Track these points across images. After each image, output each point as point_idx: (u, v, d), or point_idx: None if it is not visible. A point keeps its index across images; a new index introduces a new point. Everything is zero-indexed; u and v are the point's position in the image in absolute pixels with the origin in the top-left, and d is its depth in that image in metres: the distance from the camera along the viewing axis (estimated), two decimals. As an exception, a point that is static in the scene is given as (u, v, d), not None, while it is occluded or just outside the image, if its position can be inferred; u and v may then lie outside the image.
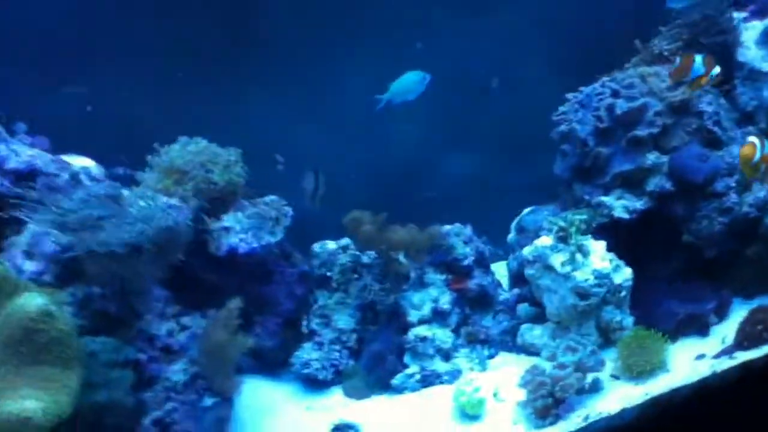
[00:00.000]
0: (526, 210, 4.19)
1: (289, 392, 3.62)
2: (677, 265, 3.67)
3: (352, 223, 3.60)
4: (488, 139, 4.64)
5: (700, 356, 3.20)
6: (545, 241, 3.56)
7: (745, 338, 3.10)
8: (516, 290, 3.90)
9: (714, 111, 3.62)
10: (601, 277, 3.37)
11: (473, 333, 3.68)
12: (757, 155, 2.98)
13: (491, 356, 3.71)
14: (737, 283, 3.58)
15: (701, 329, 3.45)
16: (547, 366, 3.23)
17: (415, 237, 3.61)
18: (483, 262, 3.89)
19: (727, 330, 3.34)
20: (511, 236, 4.10)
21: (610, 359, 3.29)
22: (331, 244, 3.83)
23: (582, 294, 3.38)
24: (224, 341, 2.89)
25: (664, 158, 3.56)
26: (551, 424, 3.01)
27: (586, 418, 2.92)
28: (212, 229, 3.36)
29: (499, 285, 3.99)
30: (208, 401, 2.98)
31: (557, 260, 3.47)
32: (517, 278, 3.92)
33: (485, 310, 3.82)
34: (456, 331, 3.71)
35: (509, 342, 3.74)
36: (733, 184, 3.48)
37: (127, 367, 2.84)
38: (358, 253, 3.78)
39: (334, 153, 4.32)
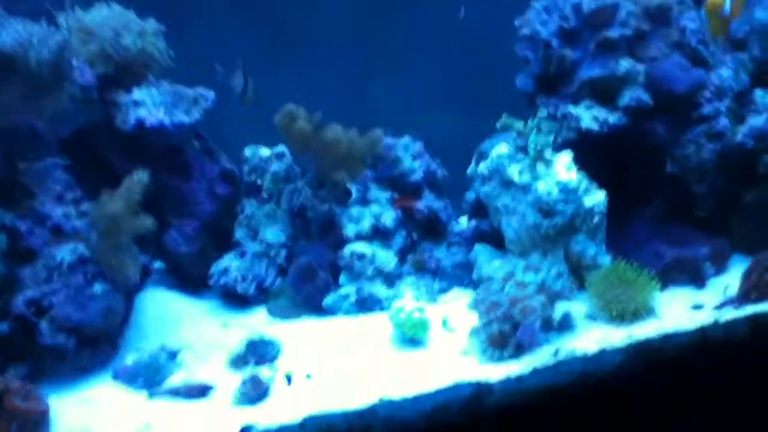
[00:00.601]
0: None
1: (206, 308, 3.15)
2: (661, 204, 3.20)
3: (285, 118, 3.09)
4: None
5: (697, 306, 2.77)
6: (502, 149, 3.06)
7: (753, 287, 2.60)
8: (474, 222, 3.40)
9: (697, 29, 3.17)
10: (567, 191, 2.87)
11: (421, 261, 3.20)
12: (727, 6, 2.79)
13: (443, 290, 3.24)
14: (737, 237, 3.12)
15: (695, 278, 2.98)
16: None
17: (353, 140, 3.13)
18: (434, 184, 3.43)
19: (728, 282, 2.88)
20: (471, 167, 3.54)
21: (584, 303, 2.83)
22: (265, 151, 3.34)
23: (545, 210, 2.89)
24: (120, 214, 2.42)
25: (641, 67, 3.09)
26: (512, 357, 2.51)
27: (556, 353, 2.48)
28: (120, 102, 2.89)
29: (455, 218, 3.53)
30: (98, 288, 2.52)
31: (515, 171, 3.00)
32: (476, 210, 3.41)
33: (437, 241, 3.34)
34: (402, 257, 3.24)
35: (464, 277, 3.26)
36: (723, 109, 3.05)
37: (1, 232, 2.41)
38: (293, 164, 3.30)
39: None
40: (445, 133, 3.70)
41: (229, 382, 2.56)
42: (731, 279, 2.90)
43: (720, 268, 3.06)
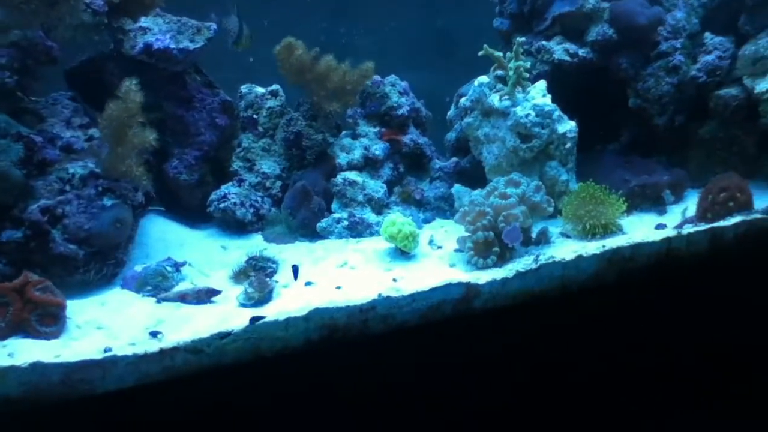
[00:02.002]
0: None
1: (205, 234, 3.10)
2: (627, 136, 3.33)
3: (284, 50, 3.09)
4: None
5: (660, 226, 2.81)
6: (483, 78, 3.11)
7: (708, 208, 2.69)
8: (454, 158, 3.45)
9: None
10: (543, 114, 2.92)
11: (408, 192, 3.22)
12: None
13: (427, 221, 3.26)
14: (693, 169, 3.23)
15: (657, 203, 3.06)
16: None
17: (346, 72, 3.13)
18: (419, 120, 3.45)
19: (686, 206, 2.95)
20: (451, 111, 3.63)
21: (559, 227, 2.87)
22: (260, 89, 3.33)
23: (523, 134, 2.94)
24: (124, 121, 2.38)
25: (605, 4, 3.18)
26: (496, 265, 2.52)
27: (536, 260, 2.46)
28: (128, 28, 2.85)
29: (438, 157, 3.53)
30: (108, 200, 2.47)
31: (496, 97, 3.03)
32: (456, 149, 3.51)
33: (422, 175, 3.37)
34: (389, 188, 3.25)
35: (446, 209, 3.29)
36: (679, 46, 3.16)
37: (18, 141, 2.36)
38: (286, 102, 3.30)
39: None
40: (421, 87, 3.73)
41: (233, 292, 2.52)
42: (689, 205, 2.96)
43: (679, 197, 3.15)
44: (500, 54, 2.99)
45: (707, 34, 3.22)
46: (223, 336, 2.17)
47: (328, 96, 3.13)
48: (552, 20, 3.20)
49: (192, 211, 3.11)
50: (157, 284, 2.49)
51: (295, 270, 2.48)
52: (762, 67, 3.01)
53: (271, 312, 2.32)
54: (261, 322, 2.21)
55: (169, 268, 2.55)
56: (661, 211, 3.05)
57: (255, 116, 3.24)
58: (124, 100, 2.35)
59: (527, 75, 2.93)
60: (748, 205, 2.66)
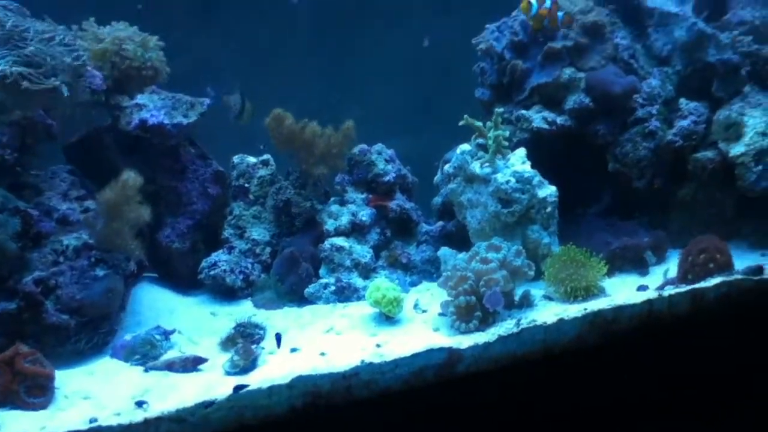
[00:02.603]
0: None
1: (195, 301, 3.17)
2: (607, 200, 3.39)
3: (274, 121, 3.21)
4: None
5: (642, 287, 2.83)
6: (465, 146, 3.20)
7: (689, 270, 2.73)
8: (441, 222, 3.52)
9: (628, 45, 3.44)
10: (523, 180, 3.00)
11: (395, 256, 3.28)
12: (534, 8, 3.24)
13: (414, 284, 3.31)
14: (674, 231, 3.29)
15: (639, 265, 3.11)
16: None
17: (330, 135, 3.24)
18: (405, 186, 3.53)
19: (668, 268, 3.01)
20: (437, 177, 3.69)
21: (542, 289, 2.91)
22: (251, 158, 3.45)
23: (504, 199, 3.01)
24: (120, 201, 2.48)
25: (581, 74, 3.31)
26: (478, 329, 2.57)
27: (518, 323, 2.48)
28: (124, 105, 2.99)
29: (425, 220, 3.60)
30: (100, 271, 2.55)
31: (477, 165, 3.12)
32: (442, 213, 3.57)
33: (408, 239, 3.44)
34: (377, 253, 3.32)
35: (432, 272, 3.35)
36: (655, 112, 3.26)
37: (15, 216, 2.45)
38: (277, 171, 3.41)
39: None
40: (410, 152, 3.85)
41: (221, 360, 2.56)
42: (671, 266, 3.01)
43: (660, 258, 3.19)
44: (480, 124, 3.11)
45: (682, 100, 3.32)
46: (206, 405, 2.21)
47: (315, 162, 3.23)
48: (530, 90, 3.32)
49: (184, 278, 3.19)
50: (146, 353, 2.54)
51: (278, 338, 2.53)
52: (735, 132, 3.11)
53: (256, 380, 2.36)
54: (245, 390, 2.25)
55: (157, 337, 2.60)
56: (643, 273, 3.10)
57: (246, 185, 3.35)
58: (123, 186, 2.47)
59: (506, 143, 3.04)
60: (728, 266, 2.71)
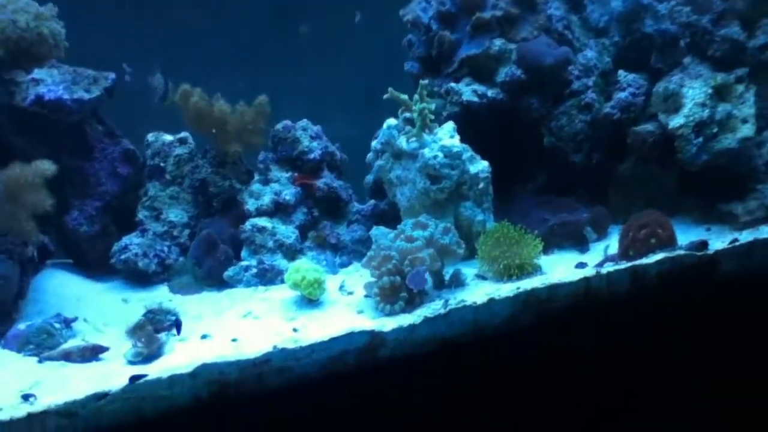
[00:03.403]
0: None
1: (107, 288, 2.97)
2: (544, 176, 3.26)
3: (182, 96, 3.02)
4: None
5: (581, 265, 2.73)
6: (392, 121, 3.04)
7: (629, 245, 2.61)
8: (372, 201, 3.36)
9: (562, 16, 3.31)
10: (452, 155, 2.87)
11: (322, 237, 3.12)
12: None
13: (343, 265, 3.16)
14: (615, 206, 3.17)
15: (578, 242, 2.99)
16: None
17: (243, 112, 3.07)
18: (333, 164, 3.37)
19: (608, 244, 2.90)
20: (370, 155, 3.50)
21: (476, 269, 2.78)
22: (167, 136, 3.23)
23: (433, 175, 2.88)
24: (19, 185, 2.27)
25: (512, 45, 3.18)
26: (404, 311, 2.42)
27: (446, 304, 2.33)
28: (20, 81, 2.75)
29: (359, 200, 3.44)
30: (-7, 257, 2.35)
31: (404, 140, 2.98)
32: (375, 191, 3.41)
33: (338, 219, 3.28)
34: (303, 233, 3.16)
35: (364, 252, 3.03)
36: (591, 84, 3.15)
37: None
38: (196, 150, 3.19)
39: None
40: (346, 134, 3.69)
41: (126, 349, 2.38)
42: (612, 243, 2.91)
43: (601, 234, 3.09)
44: (405, 97, 2.96)
45: (621, 72, 3.23)
46: (99, 397, 2.03)
47: (229, 139, 3.06)
48: (460, 63, 3.18)
49: (96, 264, 2.99)
50: (41, 342, 2.35)
51: (178, 324, 2.37)
52: (674, 103, 3.01)
53: (159, 369, 2.21)
54: (142, 380, 2.08)
55: (56, 325, 2.41)
56: (583, 250, 2.99)
57: (162, 164, 3.14)
58: (28, 171, 2.26)
59: (432, 117, 2.90)
60: (671, 241, 2.62)
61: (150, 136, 3.22)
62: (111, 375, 2.20)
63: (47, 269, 2.86)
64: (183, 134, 3.22)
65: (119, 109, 3.30)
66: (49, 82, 2.79)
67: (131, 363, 2.28)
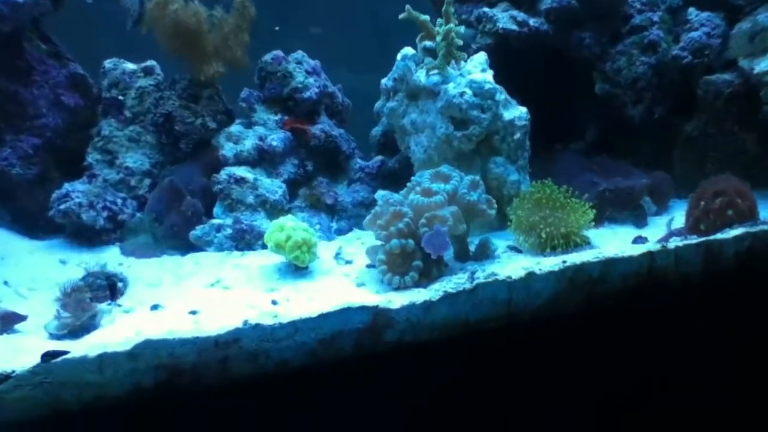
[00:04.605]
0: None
1: (43, 246, 2.44)
2: (594, 132, 2.79)
3: (157, 7, 2.44)
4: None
5: (640, 239, 2.27)
6: (407, 50, 2.53)
7: (701, 218, 2.19)
8: (379, 157, 2.85)
9: None
10: (482, 93, 2.33)
11: (316, 194, 2.60)
12: None
13: (341, 231, 2.65)
14: (679, 177, 2.69)
15: (634, 213, 2.51)
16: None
17: (222, 20, 2.52)
18: (334, 108, 2.83)
19: (672, 216, 2.45)
20: (378, 103, 2.91)
21: (507, 240, 2.30)
22: (130, 64, 2.70)
23: (458, 119, 2.34)
24: None
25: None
26: (417, 285, 1.90)
27: (472, 277, 1.85)
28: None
29: (359, 154, 2.91)
30: None
31: (423, 73, 2.45)
32: (383, 146, 2.89)
33: (338, 176, 2.76)
34: (293, 190, 2.64)
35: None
36: (657, 20, 2.64)
37: None
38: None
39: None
40: (362, 88, 3.17)
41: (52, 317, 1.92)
42: (676, 216, 2.45)
43: (662, 205, 2.63)
44: (426, 18, 2.42)
45: (691, 10, 2.71)
46: (0, 379, 1.54)
47: (206, 58, 2.51)
48: (495, -18, 2.67)
49: (33, 216, 2.45)
50: (-61, 308, 1.85)
51: (112, 287, 1.85)
52: (762, 43, 2.51)
53: (88, 345, 1.70)
54: (60, 359, 1.58)
55: (-37, 288, 1.91)
56: (640, 223, 2.52)
57: (121, 98, 2.60)
58: None
59: (461, 43, 2.37)
60: (752, 213, 2.16)
61: (107, 63, 2.68)
62: (23, 352, 1.70)
63: (-33, 220, 2.36)
64: (149, 62, 2.69)
65: (79, 38, 2.80)
66: (-26, -22, 2.28)
67: (54, 337, 1.79)
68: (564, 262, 1.94)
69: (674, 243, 2.05)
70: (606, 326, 2.08)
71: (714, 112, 2.64)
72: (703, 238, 2.09)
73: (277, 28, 3.74)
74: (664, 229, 2.38)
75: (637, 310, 2.08)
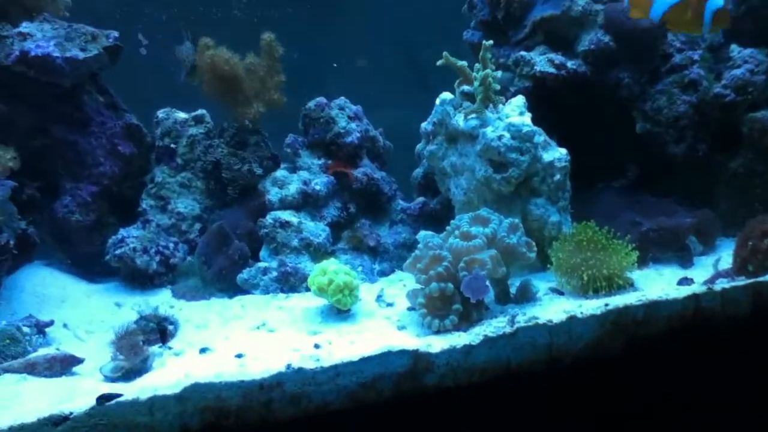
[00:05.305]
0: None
1: (99, 289, 2.57)
2: (635, 171, 2.76)
3: (201, 49, 2.60)
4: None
5: (685, 281, 2.24)
6: (446, 95, 2.58)
7: (749, 258, 2.15)
8: (421, 198, 2.90)
9: None
10: (521, 136, 2.37)
11: (358, 237, 2.66)
12: None
13: (383, 273, 2.69)
14: (724, 216, 2.65)
15: (681, 255, 2.48)
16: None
17: (253, 63, 2.61)
18: (375, 151, 2.92)
19: (719, 256, 2.41)
20: (419, 145, 2.99)
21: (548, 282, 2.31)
22: (180, 114, 2.83)
23: (496, 162, 2.38)
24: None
25: (599, 6, 2.67)
26: (457, 328, 1.94)
27: (512, 321, 1.88)
28: (5, 34, 2.38)
29: (400, 195, 2.96)
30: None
31: (461, 117, 2.49)
32: (424, 187, 2.95)
33: (380, 218, 2.82)
34: (336, 232, 2.70)
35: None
36: (697, 58, 2.62)
37: None
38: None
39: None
40: (402, 124, 3.24)
41: (106, 360, 1.99)
42: (723, 256, 2.41)
43: (708, 245, 2.59)
44: (464, 63, 2.48)
45: (734, 47, 2.70)
46: (56, 421, 1.62)
47: (246, 100, 2.60)
48: (532, 27, 2.71)
49: (90, 260, 2.59)
50: (2, 349, 1.95)
51: (162, 332, 1.93)
52: (807, 80, 2.48)
53: (140, 388, 1.78)
54: (114, 402, 1.66)
55: (25, 329, 2.02)
56: (686, 263, 2.48)
57: (173, 146, 2.74)
58: None
59: (498, 87, 2.42)
60: None
61: (161, 113, 2.83)
62: (80, 393, 1.79)
63: (31, 265, 2.48)
64: (200, 111, 2.82)
65: (133, 88, 2.95)
66: (38, 37, 2.42)
67: (108, 379, 1.87)
68: (606, 305, 1.95)
69: (720, 285, 2.04)
70: (650, 369, 2.06)
71: (760, 149, 2.61)
72: (752, 280, 2.06)
73: (335, 65, 3.87)
74: (710, 270, 2.33)
75: (682, 353, 2.06)
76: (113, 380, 1.89)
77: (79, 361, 1.96)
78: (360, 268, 2.59)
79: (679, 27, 2.33)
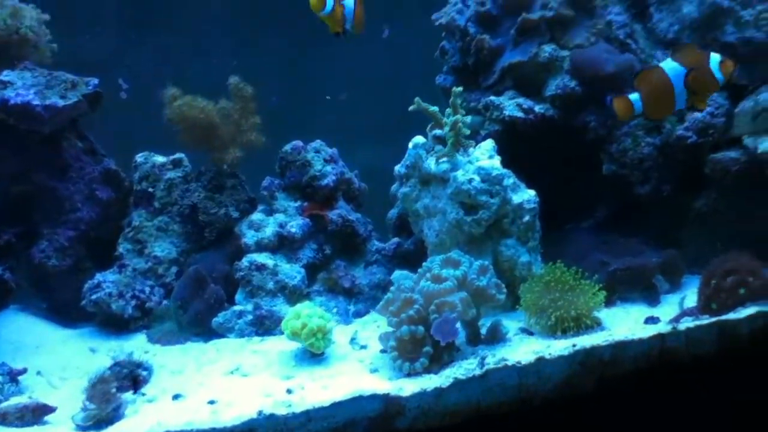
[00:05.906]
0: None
1: (75, 334, 2.56)
2: (603, 211, 2.81)
3: (170, 100, 2.60)
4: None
5: (651, 320, 2.27)
6: (419, 139, 2.63)
7: (712, 296, 2.16)
8: (395, 239, 2.92)
9: (625, 22, 2.82)
10: (491, 179, 2.41)
11: (334, 279, 2.67)
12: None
13: (358, 314, 2.70)
14: (690, 255, 2.65)
15: (647, 293, 2.51)
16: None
17: (226, 108, 2.64)
18: (350, 193, 2.93)
19: (684, 295, 2.43)
20: (394, 186, 3.00)
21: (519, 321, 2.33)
22: (159, 158, 2.84)
23: (467, 204, 2.42)
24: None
25: (565, 52, 2.73)
26: (428, 371, 1.95)
27: (482, 363, 1.90)
28: (-17, 83, 2.43)
29: (379, 238, 2.98)
30: None
31: (433, 161, 2.54)
32: (399, 228, 2.96)
33: (354, 259, 2.83)
34: (312, 274, 2.71)
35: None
36: (659, 103, 2.72)
37: None
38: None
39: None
40: (367, 165, 3.29)
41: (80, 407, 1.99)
42: (688, 294, 2.42)
43: (674, 283, 2.60)
44: (435, 109, 2.53)
45: (695, 90, 2.74)
46: None
47: (222, 145, 2.64)
48: (501, 72, 2.75)
49: (67, 305, 2.58)
50: (-28, 399, 1.95)
51: (135, 379, 1.93)
52: (764, 123, 2.53)
53: (113, 437, 1.78)
54: None
55: (-4, 378, 2.01)
56: (653, 302, 2.50)
57: (151, 189, 2.74)
58: None
59: (468, 131, 2.48)
60: (765, 291, 2.12)
61: (139, 157, 2.83)
62: (50, 443, 1.78)
63: (7, 311, 2.47)
64: (178, 155, 2.83)
65: (116, 130, 2.97)
66: (18, 85, 2.45)
67: (80, 428, 1.86)
68: (574, 345, 1.98)
69: (685, 324, 2.07)
70: (619, 408, 2.08)
71: (723, 189, 2.65)
72: (715, 318, 2.10)
73: (328, 97, 3.91)
74: (677, 308, 2.36)
75: (649, 392, 2.08)
76: (85, 429, 1.87)
77: (51, 410, 1.94)
78: (335, 310, 2.60)
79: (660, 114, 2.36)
